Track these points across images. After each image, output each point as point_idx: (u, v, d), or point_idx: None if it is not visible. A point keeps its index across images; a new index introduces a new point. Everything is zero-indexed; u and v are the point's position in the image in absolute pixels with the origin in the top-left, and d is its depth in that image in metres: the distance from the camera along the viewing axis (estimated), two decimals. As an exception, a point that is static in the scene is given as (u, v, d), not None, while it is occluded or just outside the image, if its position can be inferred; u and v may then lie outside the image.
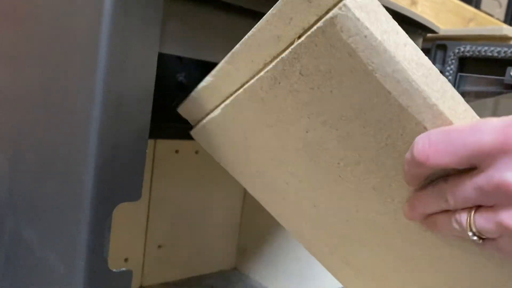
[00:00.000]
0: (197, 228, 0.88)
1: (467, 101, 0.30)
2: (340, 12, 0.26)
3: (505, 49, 0.62)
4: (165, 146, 0.80)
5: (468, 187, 0.26)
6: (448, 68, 0.67)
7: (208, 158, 0.88)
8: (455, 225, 0.27)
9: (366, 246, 0.39)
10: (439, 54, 0.68)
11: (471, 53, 0.65)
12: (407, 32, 0.29)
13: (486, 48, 0.64)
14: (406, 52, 0.27)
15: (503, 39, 0.94)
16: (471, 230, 0.27)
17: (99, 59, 0.40)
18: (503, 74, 0.62)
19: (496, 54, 0.63)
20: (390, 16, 0.28)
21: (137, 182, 0.43)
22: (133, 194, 0.43)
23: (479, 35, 0.97)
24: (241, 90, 0.38)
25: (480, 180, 0.25)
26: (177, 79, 0.82)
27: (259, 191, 0.48)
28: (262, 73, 0.34)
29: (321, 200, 0.39)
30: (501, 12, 2.23)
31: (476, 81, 0.66)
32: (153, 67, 0.43)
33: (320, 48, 0.29)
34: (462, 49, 0.66)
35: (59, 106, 0.46)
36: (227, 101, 0.41)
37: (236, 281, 0.91)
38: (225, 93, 0.41)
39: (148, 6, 0.41)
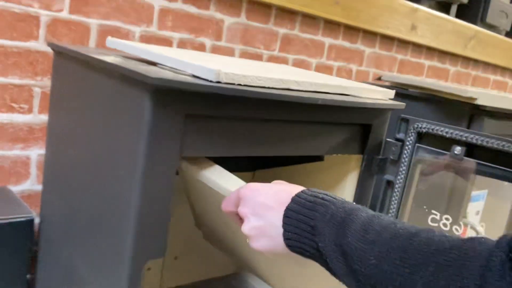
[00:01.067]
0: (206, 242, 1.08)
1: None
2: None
3: (452, 130, 0.79)
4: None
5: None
6: (409, 138, 0.83)
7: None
8: None
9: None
10: (403, 125, 0.84)
11: (426, 129, 0.81)
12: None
13: (438, 127, 0.80)
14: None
15: (468, 99, 1.10)
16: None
17: (137, 166, 0.58)
18: (450, 150, 0.79)
19: (444, 134, 0.79)
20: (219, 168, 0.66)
21: (162, 243, 0.62)
22: (160, 252, 0.62)
23: (448, 93, 1.13)
24: None
25: (242, 211, 0.53)
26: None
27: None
28: None
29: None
30: (507, 22, 2.32)
31: (429, 152, 0.82)
32: (174, 169, 0.61)
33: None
34: (420, 125, 0.82)
35: (107, 190, 0.65)
36: None
37: (237, 284, 1.11)
38: None
39: (172, 126, 0.58)
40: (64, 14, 0.95)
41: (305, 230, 0.46)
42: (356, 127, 0.82)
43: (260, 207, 0.50)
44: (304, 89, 0.69)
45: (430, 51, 1.83)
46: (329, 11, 1.39)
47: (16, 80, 0.93)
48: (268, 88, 0.64)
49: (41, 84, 0.96)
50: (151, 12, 1.07)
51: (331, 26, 1.45)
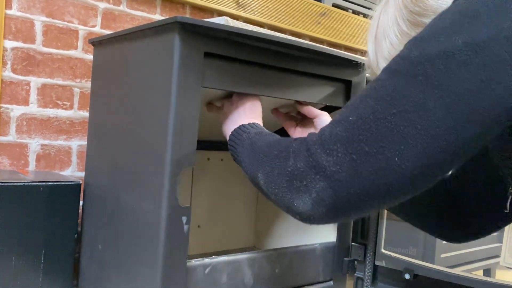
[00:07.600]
0: (225, 215, 1.23)
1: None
2: None
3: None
4: (199, 155, 1.16)
5: None
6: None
7: (231, 163, 1.23)
8: None
9: None
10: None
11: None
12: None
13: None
14: None
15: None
16: None
17: (171, 94, 0.77)
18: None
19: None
20: None
21: (193, 153, 0.79)
22: (191, 162, 0.79)
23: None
24: None
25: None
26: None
27: None
28: None
29: None
30: None
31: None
32: (199, 96, 0.79)
33: None
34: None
35: (147, 119, 0.83)
36: None
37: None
38: None
39: (196, 64, 0.77)
40: (97, 29, 1.18)
41: (234, 148, 0.74)
42: (339, 83, 1.01)
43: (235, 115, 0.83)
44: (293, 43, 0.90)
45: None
46: (312, 29, 1.63)
47: (60, 81, 1.14)
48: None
49: (80, 85, 1.17)
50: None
51: (315, 43, 1.69)
